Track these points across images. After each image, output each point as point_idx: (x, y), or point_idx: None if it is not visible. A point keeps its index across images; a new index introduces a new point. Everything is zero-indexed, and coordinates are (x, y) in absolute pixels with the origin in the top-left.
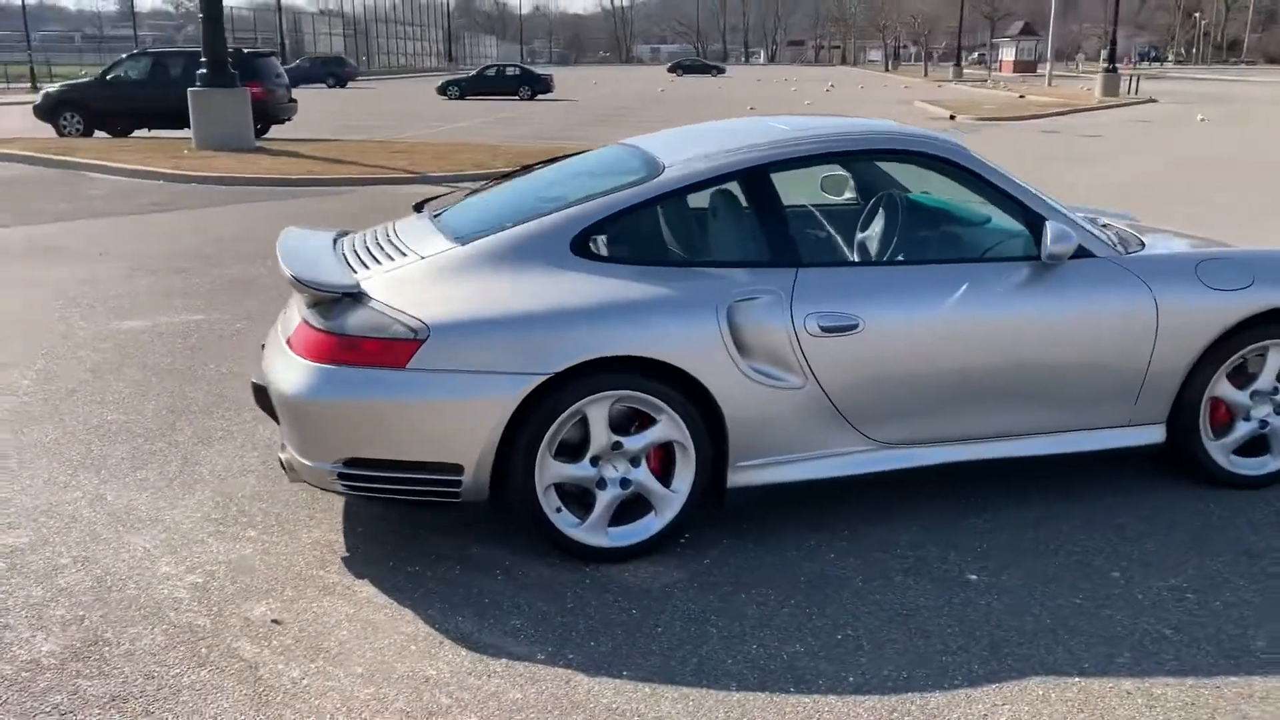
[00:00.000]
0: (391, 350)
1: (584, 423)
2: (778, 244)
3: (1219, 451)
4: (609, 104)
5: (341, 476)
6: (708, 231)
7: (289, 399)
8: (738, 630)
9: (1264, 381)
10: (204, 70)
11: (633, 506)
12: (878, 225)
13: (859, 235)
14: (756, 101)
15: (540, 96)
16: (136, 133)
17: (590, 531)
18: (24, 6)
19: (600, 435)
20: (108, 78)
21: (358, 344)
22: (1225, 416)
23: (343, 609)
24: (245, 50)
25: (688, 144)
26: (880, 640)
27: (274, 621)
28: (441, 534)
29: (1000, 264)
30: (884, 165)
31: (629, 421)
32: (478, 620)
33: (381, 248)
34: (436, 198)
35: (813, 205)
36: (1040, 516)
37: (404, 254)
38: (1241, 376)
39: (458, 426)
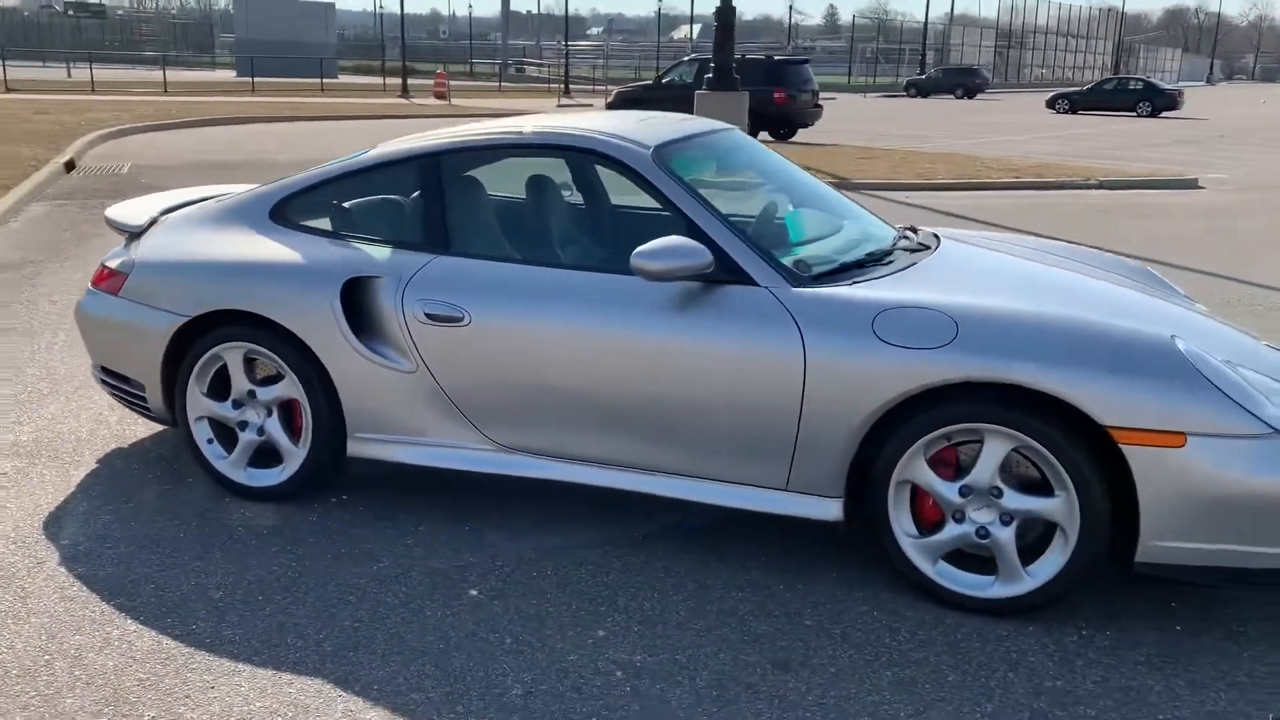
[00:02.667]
0: (115, 279)
1: (253, 365)
2: (430, 229)
3: (919, 553)
4: (1231, 126)
5: (100, 380)
6: (386, 211)
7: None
8: (200, 570)
9: (979, 476)
10: (710, 75)
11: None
12: (551, 224)
13: (543, 234)
14: None
15: (1164, 113)
16: None
17: (231, 467)
18: (691, 20)
19: (239, 381)
20: (663, 80)
21: (103, 272)
22: (935, 512)
23: (50, 482)
24: (776, 58)
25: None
26: (273, 622)
27: None
28: None
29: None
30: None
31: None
32: (111, 514)
33: None
34: None
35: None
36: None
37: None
38: (956, 465)
39: (138, 351)
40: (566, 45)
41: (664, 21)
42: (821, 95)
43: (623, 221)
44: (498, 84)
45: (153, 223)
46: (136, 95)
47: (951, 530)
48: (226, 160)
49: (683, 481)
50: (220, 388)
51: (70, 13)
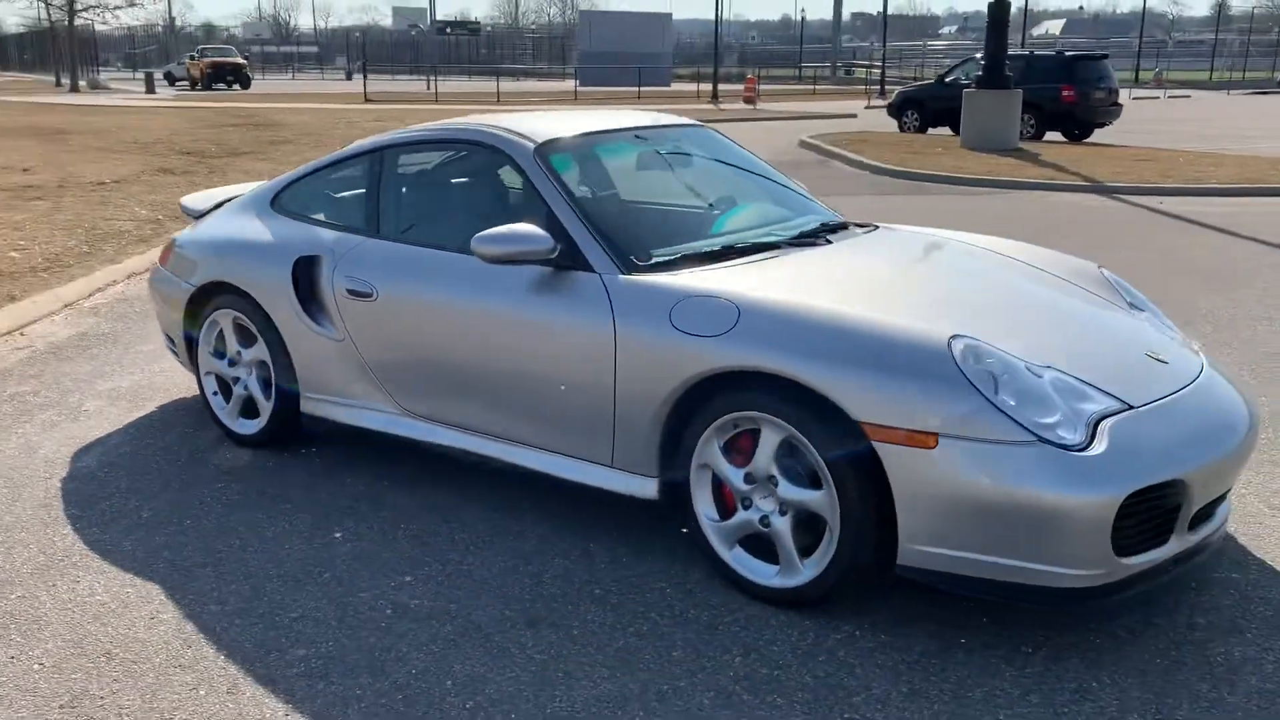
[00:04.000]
0: (167, 254)
1: (240, 330)
2: (369, 215)
3: (717, 537)
4: None
5: (169, 346)
6: (346, 199)
7: None
8: (151, 495)
9: (758, 465)
10: (980, 72)
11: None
12: (455, 212)
13: (446, 220)
14: None
15: None
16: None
17: (228, 416)
18: (1025, 16)
19: (231, 343)
20: (945, 80)
21: (164, 249)
22: (733, 498)
23: (111, 419)
24: (1067, 53)
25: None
26: (163, 541)
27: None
28: None
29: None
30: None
31: None
32: (130, 447)
33: None
34: None
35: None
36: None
37: None
38: (749, 453)
39: (172, 314)
40: (884, 46)
41: (1025, 18)
42: (1174, 93)
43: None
44: (812, 87)
45: (214, 209)
46: (467, 105)
47: (740, 516)
48: None
49: (536, 454)
50: (223, 348)
51: (448, 31)
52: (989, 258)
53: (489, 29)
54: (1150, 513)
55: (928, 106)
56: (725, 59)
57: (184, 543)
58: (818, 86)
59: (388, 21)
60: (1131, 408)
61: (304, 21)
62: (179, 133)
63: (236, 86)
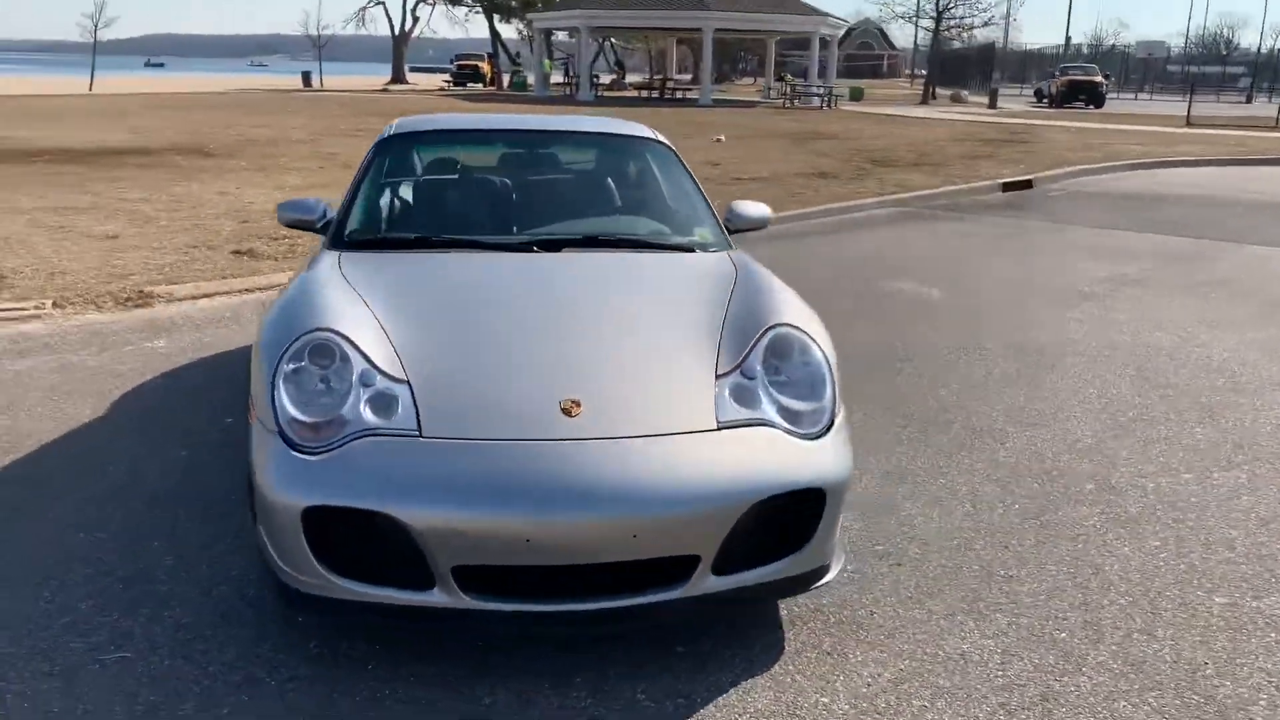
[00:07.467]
0: None
1: None
2: None
3: None
4: None
5: None
6: None
7: None
8: (88, 392)
9: None
10: None
11: None
12: None
13: None
14: None
15: None
16: None
17: None
18: None
19: None
20: None
21: None
22: None
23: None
24: None
25: None
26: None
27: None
28: None
29: None
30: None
31: None
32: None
33: None
34: None
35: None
36: None
37: None
38: None
39: None
40: None
41: None
42: None
43: None
44: None
45: None
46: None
47: None
48: (1145, 193)
49: None
50: None
51: None
52: (615, 290)
53: None
54: (376, 543)
55: None
56: None
57: (31, 431)
58: None
59: None
60: (419, 436)
61: (1248, 39)
62: (932, 141)
63: (1090, 106)
